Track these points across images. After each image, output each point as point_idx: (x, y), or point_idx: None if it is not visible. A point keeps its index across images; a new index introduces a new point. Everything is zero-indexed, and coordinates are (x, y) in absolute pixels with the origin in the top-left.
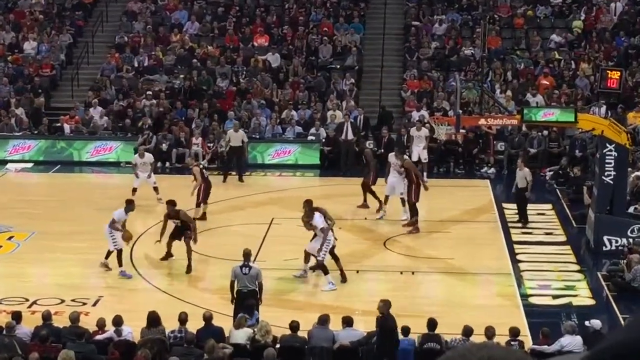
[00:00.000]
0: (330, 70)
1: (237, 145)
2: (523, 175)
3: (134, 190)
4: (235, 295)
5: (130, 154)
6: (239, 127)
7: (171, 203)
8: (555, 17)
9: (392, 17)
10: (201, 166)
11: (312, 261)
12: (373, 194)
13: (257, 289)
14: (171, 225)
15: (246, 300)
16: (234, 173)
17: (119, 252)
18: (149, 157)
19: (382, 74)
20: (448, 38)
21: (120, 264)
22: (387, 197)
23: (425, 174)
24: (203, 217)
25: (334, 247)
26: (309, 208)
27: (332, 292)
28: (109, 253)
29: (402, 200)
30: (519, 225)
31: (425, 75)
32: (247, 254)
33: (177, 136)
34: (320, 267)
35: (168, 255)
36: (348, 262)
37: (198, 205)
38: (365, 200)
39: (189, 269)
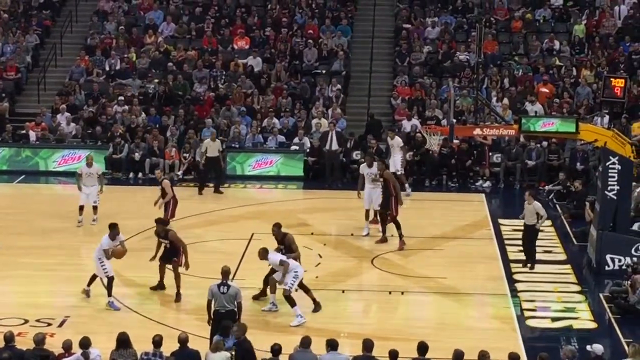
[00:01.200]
0: (316, 76)
1: (215, 156)
2: (533, 210)
3: (81, 208)
4: (212, 316)
5: (101, 164)
6: (217, 136)
7: (160, 222)
8: (556, 20)
9: (382, 19)
10: (169, 178)
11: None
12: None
13: (235, 309)
14: (161, 246)
15: (223, 321)
16: (210, 185)
17: (110, 280)
18: (96, 167)
19: (370, 79)
20: (441, 42)
21: (109, 293)
22: (367, 211)
23: (406, 184)
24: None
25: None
26: (277, 234)
27: (317, 313)
28: (92, 279)
29: (376, 212)
30: (516, 242)
31: (417, 82)
32: (225, 272)
33: (150, 145)
34: (287, 299)
35: (160, 285)
36: (333, 281)
37: (167, 223)
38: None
39: (177, 297)
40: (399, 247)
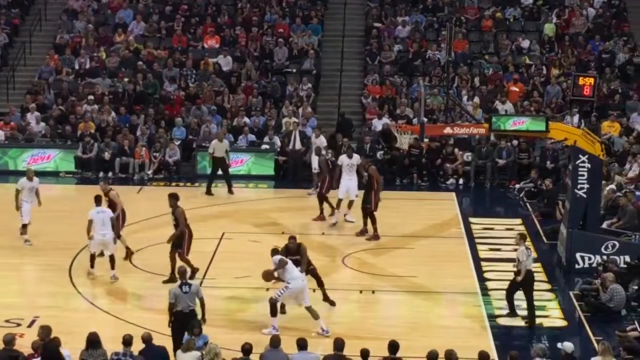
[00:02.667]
0: (286, 75)
1: (221, 156)
2: (526, 254)
3: (24, 227)
4: (175, 317)
5: (70, 163)
6: (223, 136)
7: (174, 196)
8: (526, 19)
9: (353, 18)
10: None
11: None
12: (327, 202)
13: (194, 308)
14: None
15: (191, 320)
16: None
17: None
18: (37, 181)
19: (341, 78)
20: (412, 41)
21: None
22: (340, 201)
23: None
24: (128, 254)
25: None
26: (293, 245)
27: (285, 314)
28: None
29: (351, 202)
30: (487, 241)
31: (388, 81)
32: (182, 272)
33: (120, 144)
34: (270, 307)
35: (172, 278)
36: None
37: (119, 236)
38: (321, 212)
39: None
40: (372, 238)
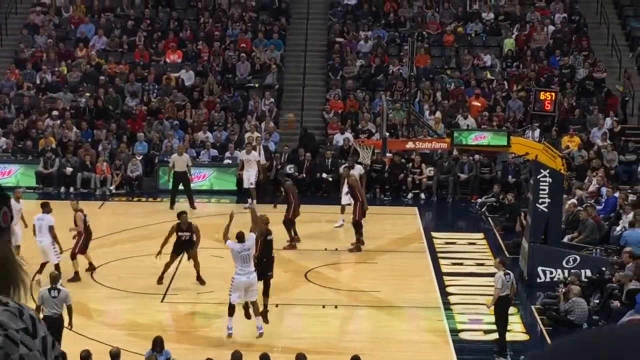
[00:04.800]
0: (249, 89)
1: (182, 171)
2: (503, 281)
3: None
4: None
5: (31, 178)
6: (184, 151)
7: (184, 213)
8: (487, 34)
9: (315, 33)
10: (82, 211)
11: None
12: (292, 228)
13: (63, 313)
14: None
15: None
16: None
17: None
18: (22, 203)
19: (303, 93)
20: (374, 56)
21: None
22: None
23: (254, 201)
24: (91, 267)
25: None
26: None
27: (249, 327)
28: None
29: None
30: (449, 256)
31: (350, 95)
32: (54, 277)
33: (82, 159)
34: (229, 308)
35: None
36: None
37: (74, 256)
38: (291, 238)
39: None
40: (354, 248)
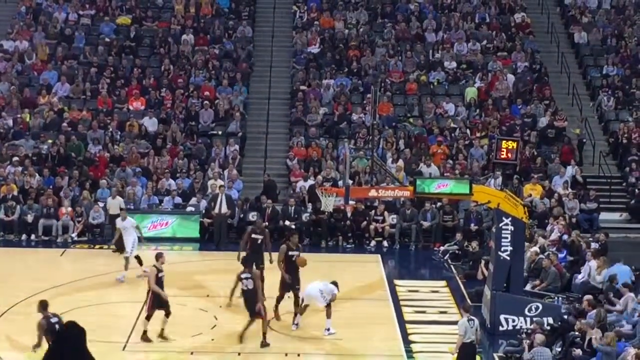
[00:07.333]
0: (212, 137)
1: (116, 214)
2: (467, 327)
3: None
4: None
5: None
6: (116, 194)
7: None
8: (450, 83)
9: (278, 80)
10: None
11: None
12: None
13: None
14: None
15: None
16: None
17: None
18: None
19: (267, 140)
20: (337, 104)
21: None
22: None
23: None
24: None
25: None
26: None
27: None
28: None
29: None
30: (412, 303)
31: (313, 143)
32: None
33: (44, 206)
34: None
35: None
36: (230, 343)
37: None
38: None
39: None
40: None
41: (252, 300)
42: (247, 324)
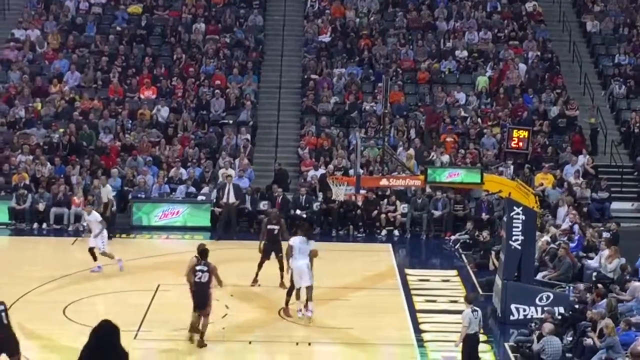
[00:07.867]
0: (223, 126)
1: (104, 202)
2: (470, 317)
3: None
4: None
5: (4, 215)
6: (106, 182)
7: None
8: (461, 72)
9: (289, 69)
10: None
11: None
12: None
13: None
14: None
15: None
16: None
17: None
18: None
19: (278, 129)
20: (348, 93)
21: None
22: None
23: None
24: None
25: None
26: None
27: None
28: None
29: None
30: (423, 293)
31: (324, 132)
32: None
33: (55, 195)
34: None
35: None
36: (240, 332)
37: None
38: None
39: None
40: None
41: (204, 293)
42: (197, 320)
